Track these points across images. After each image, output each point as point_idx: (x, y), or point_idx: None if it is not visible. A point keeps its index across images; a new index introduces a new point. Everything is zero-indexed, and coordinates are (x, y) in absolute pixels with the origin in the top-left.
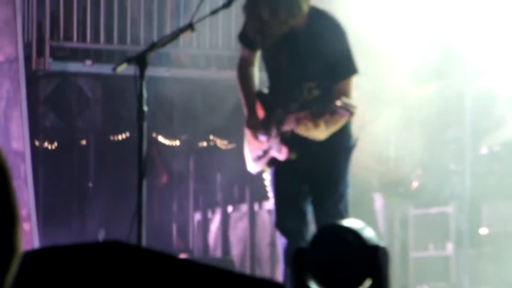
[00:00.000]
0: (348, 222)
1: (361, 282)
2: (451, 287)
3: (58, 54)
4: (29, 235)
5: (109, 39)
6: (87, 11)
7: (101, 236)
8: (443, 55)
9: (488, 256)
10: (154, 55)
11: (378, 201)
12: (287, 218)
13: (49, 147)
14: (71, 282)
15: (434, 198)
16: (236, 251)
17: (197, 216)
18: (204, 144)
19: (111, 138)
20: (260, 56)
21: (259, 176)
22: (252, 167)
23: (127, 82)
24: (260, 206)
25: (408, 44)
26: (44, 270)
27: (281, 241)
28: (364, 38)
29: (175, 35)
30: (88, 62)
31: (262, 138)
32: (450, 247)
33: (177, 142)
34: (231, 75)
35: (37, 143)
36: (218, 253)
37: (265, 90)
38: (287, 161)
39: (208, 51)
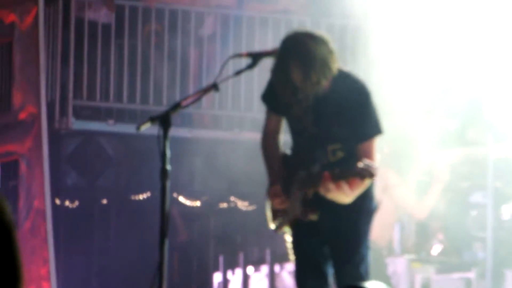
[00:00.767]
0: (370, 285)
1: None
2: None
3: (81, 113)
4: None
5: (131, 99)
6: (110, 71)
7: None
8: (467, 121)
9: None
10: (177, 116)
11: (400, 266)
12: (308, 279)
13: (70, 206)
14: None
15: (456, 264)
16: None
17: (217, 277)
18: (225, 205)
19: (132, 197)
20: (285, 119)
21: (279, 237)
22: (274, 226)
23: (148, 142)
24: (281, 268)
25: (431, 108)
26: None
27: None
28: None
29: (199, 95)
30: (111, 121)
31: (284, 200)
32: None
33: (198, 203)
34: (253, 136)
35: (58, 201)
36: None
37: (288, 151)
38: (308, 222)
39: (230, 113)
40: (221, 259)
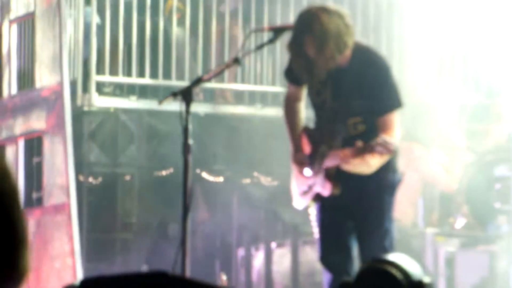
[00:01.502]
0: (394, 257)
1: None
2: None
3: (103, 90)
4: (73, 270)
5: (154, 75)
6: (133, 47)
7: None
8: (490, 95)
9: None
10: (199, 91)
11: (424, 240)
12: (331, 253)
13: (94, 182)
14: None
15: (480, 237)
16: (279, 287)
17: (241, 252)
18: (248, 180)
19: (155, 173)
20: (306, 92)
21: (303, 213)
22: (298, 202)
23: (171, 117)
24: (304, 242)
25: (455, 83)
26: None
27: (325, 277)
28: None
29: (220, 69)
30: (133, 97)
31: (308, 173)
32: (497, 286)
33: (221, 179)
34: (276, 111)
35: (81, 178)
36: None
37: (312, 126)
38: (332, 197)
39: (252, 87)
40: (244, 235)
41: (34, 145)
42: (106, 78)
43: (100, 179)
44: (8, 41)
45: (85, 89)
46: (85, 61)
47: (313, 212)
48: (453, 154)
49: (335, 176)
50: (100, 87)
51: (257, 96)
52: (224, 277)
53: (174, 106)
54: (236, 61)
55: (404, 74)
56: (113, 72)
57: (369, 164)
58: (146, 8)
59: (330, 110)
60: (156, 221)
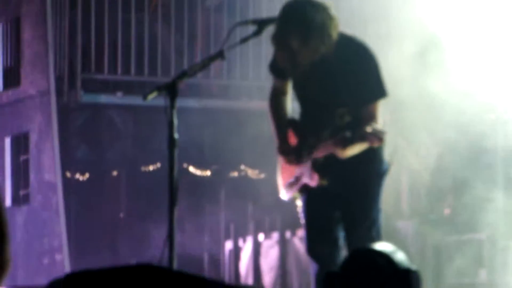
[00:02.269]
0: (380, 246)
1: None
2: None
3: (89, 87)
4: (61, 266)
5: (139, 71)
6: (118, 43)
7: None
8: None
9: None
10: (185, 87)
11: (410, 229)
12: (318, 244)
13: (81, 178)
14: None
15: (466, 225)
16: (267, 279)
17: (229, 245)
18: (235, 174)
19: (142, 169)
20: (291, 85)
21: (290, 204)
22: (284, 194)
23: (158, 113)
24: (292, 234)
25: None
26: None
27: (313, 268)
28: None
29: (205, 63)
30: (119, 94)
31: (294, 164)
32: (483, 274)
33: (208, 173)
34: (261, 105)
35: (68, 174)
36: (249, 281)
37: (297, 118)
38: (319, 188)
39: (238, 82)
40: (232, 227)
41: (21, 142)
42: (92, 75)
43: (87, 175)
44: None
45: (71, 86)
46: (70, 59)
47: (299, 204)
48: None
49: (323, 167)
50: (86, 84)
51: (243, 90)
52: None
53: (160, 101)
54: (221, 54)
55: (390, 65)
56: (99, 69)
57: (354, 151)
58: (131, 3)
59: (316, 101)
60: (144, 216)
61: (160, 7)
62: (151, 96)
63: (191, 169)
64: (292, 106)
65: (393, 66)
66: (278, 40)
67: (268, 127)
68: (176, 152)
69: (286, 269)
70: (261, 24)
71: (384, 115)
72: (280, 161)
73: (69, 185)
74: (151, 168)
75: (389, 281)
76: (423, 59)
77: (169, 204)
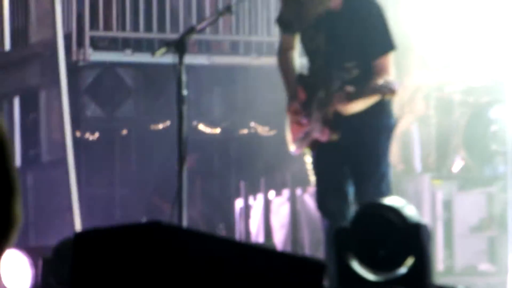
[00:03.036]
0: (389, 200)
1: (403, 260)
2: (496, 268)
3: (98, 45)
4: (72, 226)
5: (148, 28)
6: (126, 0)
7: None
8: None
9: None
10: (194, 43)
11: (421, 184)
12: (329, 200)
13: (90, 137)
14: (113, 262)
15: (477, 179)
16: (278, 236)
17: (239, 203)
18: (245, 131)
19: (152, 127)
20: (299, 39)
21: (300, 161)
22: (294, 149)
23: (167, 71)
24: (303, 191)
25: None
26: (87, 252)
27: (323, 223)
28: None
29: (213, 18)
30: (128, 51)
31: (304, 121)
32: (494, 227)
33: (218, 130)
34: (271, 61)
35: (78, 133)
36: (260, 239)
37: (306, 73)
38: (329, 143)
39: (247, 38)
40: (242, 185)
41: (29, 101)
42: (101, 32)
43: (97, 134)
44: None
45: (80, 44)
46: (78, 16)
47: (309, 159)
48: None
49: (333, 121)
50: (94, 42)
51: (253, 46)
52: (221, 227)
53: (170, 58)
54: (229, 9)
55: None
56: (107, 26)
57: (361, 106)
58: None
59: (324, 55)
60: (154, 174)
61: None
62: (160, 53)
63: (201, 127)
64: (300, 62)
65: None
66: None
67: (278, 83)
68: (185, 109)
69: (297, 226)
70: None
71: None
72: (288, 116)
73: (79, 144)
74: (160, 126)
75: (399, 235)
76: None
77: (179, 162)
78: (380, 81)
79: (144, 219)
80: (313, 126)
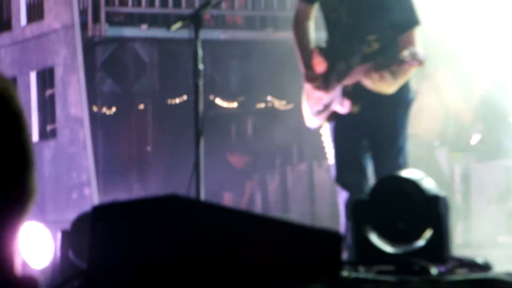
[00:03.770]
0: (407, 173)
1: (421, 232)
2: None
3: (114, 20)
4: (90, 200)
5: (164, 3)
6: None
7: None
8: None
9: None
10: (210, 18)
11: (440, 156)
12: (347, 172)
13: (107, 112)
14: (131, 235)
15: (495, 151)
16: (295, 210)
17: (256, 177)
18: (262, 105)
19: (169, 101)
20: (319, 9)
21: (317, 135)
22: (311, 122)
23: (183, 45)
24: (319, 165)
25: None
26: (105, 225)
27: (341, 196)
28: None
29: None
30: (144, 26)
31: (322, 91)
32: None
33: (235, 104)
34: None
35: (95, 108)
36: (278, 213)
37: (323, 45)
38: (347, 115)
39: (263, 12)
40: (259, 159)
41: (46, 77)
42: (116, 8)
43: (113, 109)
44: None
45: (96, 19)
46: None
47: (325, 132)
48: (471, 82)
49: (353, 93)
50: (110, 17)
51: (268, 20)
52: (240, 199)
53: (185, 33)
54: None
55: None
56: (123, 2)
57: (390, 82)
58: None
59: (346, 27)
60: (171, 149)
61: None
62: (175, 27)
63: (218, 101)
64: (316, 36)
65: None
66: None
67: (294, 58)
68: (202, 83)
69: (314, 200)
70: None
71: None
72: (305, 88)
73: (95, 119)
74: (177, 101)
75: (418, 207)
76: None
77: (195, 136)
78: (406, 52)
79: (161, 193)
80: (333, 98)
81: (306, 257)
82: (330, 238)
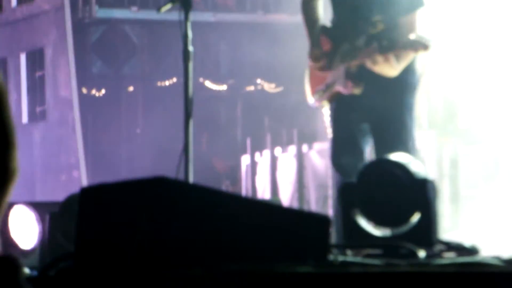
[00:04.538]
0: (396, 156)
1: (409, 216)
2: (504, 224)
3: (104, 1)
4: (78, 182)
5: None
6: None
7: None
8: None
9: None
10: (200, 1)
11: (428, 139)
12: (344, 154)
13: (97, 94)
14: (119, 217)
15: (483, 135)
16: (284, 193)
17: (246, 159)
18: (252, 88)
19: (158, 83)
20: None
21: (307, 118)
22: (313, 101)
23: (173, 28)
24: (309, 147)
25: None
26: (93, 207)
27: (335, 178)
28: None
29: None
30: (134, 8)
31: (325, 71)
32: (499, 182)
33: (225, 87)
34: (278, 18)
35: (84, 90)
36: (266, 196)
37: (329, 25)
38: (350, 98)
39: None
40: (248, 142)
41: (36, 59)
42: None
43: (103, 91)
44: None
45: (86, 1)
46: None
47: (326, 112)
48: None
49: (357, 75)
50: None
51: (259, 3)
52: (228, 183)
53: (175, 15)
54: None
55: None
56: None
57: (394, 66)
58: None
59: (351, 7)
60: (161, 131)
61: None
62: (165, 8)
63: (207, 83)
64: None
65: None
66: None
67: (285, 40)
68: (191, 66)
69: (303, 183)
70: None
71: None
72: (309, 67)
73: (85, 101)
74: (167, 83)
75: (406, 190)
76: None
77: (185, 118)
78: (413, 36)
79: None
80: (336, 78)
81: (293, 240)
82: (318, 222)
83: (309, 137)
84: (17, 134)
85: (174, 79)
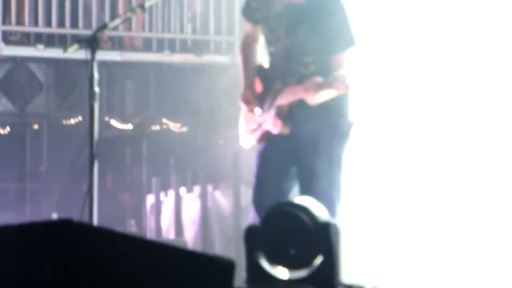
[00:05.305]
0: (300, 200)
1: (312, 259)
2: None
3: (10, 39)
4: None
5: (61, 23)
6: None
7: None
8: None
9: None
10: (107, 40)
11: None
12: (266, 196)
13: (2, 131)
14: (22, 259)
15: None
16: (189, 233)
17: (150, 199)
18: (157, 127)
19: (64, 122)
20: (262, 30)
21: (212, 158)
22: (246, 141)
23: (79, 66)
24: (214, 188)
25: None
26: None
27: (252, 218)
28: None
29: (126, 16)
30: (40, 46)
31: (256, 112)
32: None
33: (130, 126)
34: (184, 58)
35: None
36: (171, 236)
37: (266, 65)
38: (279, 139)
39: (160, 35)
40: (154, 181)
41: None
42: (13, 27)
43: (8, 128)
44: None
45: None
46: None
47: (258, 152)
48: None
49: (287, 115)
50: (6, 36)
51: (165, 43)
52: (132, 223)
53: (82, 54)
54: (142, 6)
55: None
56: (20, 21)
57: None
58: None
59: (284, 48)
60: (66, 170)
61: None
62: (72, 49)
63: (113, 122)
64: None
65: None
66: None
67: (189, 80)
68: (97, 106)
69: (207, 223)
70: None
71: None
72: (242, 107)
73: None
74: (72, 121)
75: (309, 234)
76: None
77: (90, 158)
78: (336, 75)
79: (55, 215)
80: (266, 117)
81: (197, 284)
82: (222, 266)
83: (214, 178)
84: None
85: (80, 118)
